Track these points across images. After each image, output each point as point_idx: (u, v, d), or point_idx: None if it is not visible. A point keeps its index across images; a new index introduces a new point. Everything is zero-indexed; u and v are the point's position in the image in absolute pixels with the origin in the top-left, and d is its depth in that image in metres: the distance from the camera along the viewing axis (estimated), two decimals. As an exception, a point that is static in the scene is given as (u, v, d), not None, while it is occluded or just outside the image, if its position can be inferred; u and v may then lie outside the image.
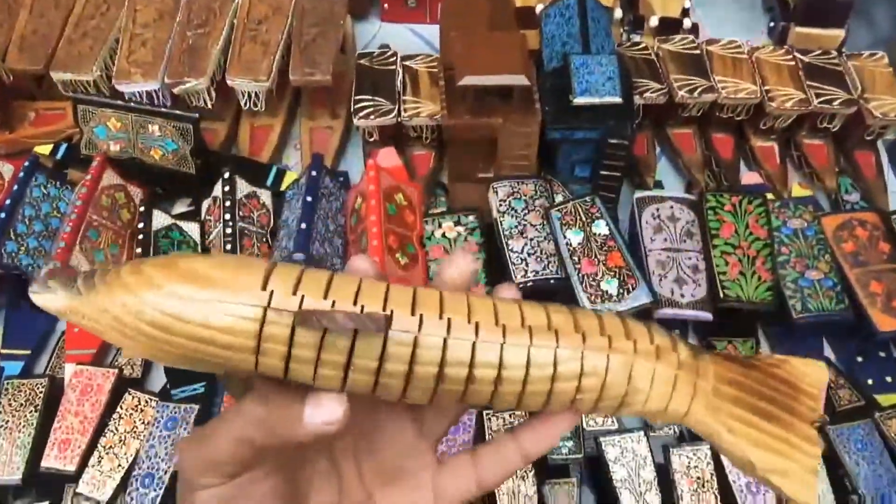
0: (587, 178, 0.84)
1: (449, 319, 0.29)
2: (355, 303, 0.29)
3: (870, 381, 0.73)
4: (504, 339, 0.29)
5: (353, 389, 0.29)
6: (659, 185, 0.87)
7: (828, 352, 0.77)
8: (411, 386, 0.29)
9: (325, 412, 0.28)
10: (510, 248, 0.74)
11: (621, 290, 0.69)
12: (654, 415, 0.32)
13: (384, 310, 0.29)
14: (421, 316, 0.29)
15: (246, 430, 0.28)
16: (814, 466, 0.32)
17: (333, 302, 0.28)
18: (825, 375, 0.34)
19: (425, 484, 0.34)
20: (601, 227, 0.73)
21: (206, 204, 0.79)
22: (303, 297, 0.28)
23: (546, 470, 0.69)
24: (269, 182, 0.83)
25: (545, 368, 0.30)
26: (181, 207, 0.86)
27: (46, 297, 0.29)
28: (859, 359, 0.74)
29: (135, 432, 0.66)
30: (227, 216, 0.73)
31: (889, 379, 0.73)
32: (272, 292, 0.27)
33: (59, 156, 0.85)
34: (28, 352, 0.75)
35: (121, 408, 0.68)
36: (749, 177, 0.88)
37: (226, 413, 0.30)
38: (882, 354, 0.75)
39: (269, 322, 0.27)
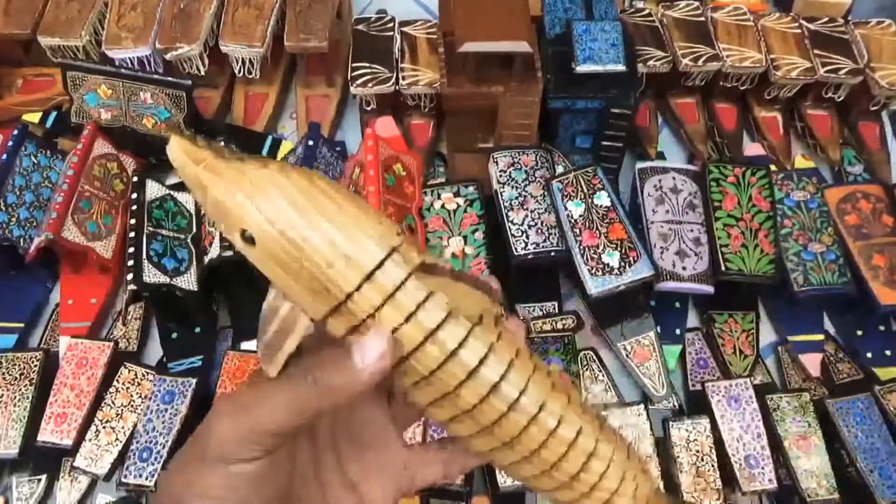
0: (588, 148, 0.83)
1: (516, 354, 0.30)
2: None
3: (869, 355, 0.73)
4: (533, 373, 0.30)
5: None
6: (661, 156, 0.86)
7: (827, 325, 0.76)
8: (430, 379, 0.29)
9: (372, 349, 0.27)
10: (510, 219, 0.73)
11: (622, 263, 0.68)
12: None
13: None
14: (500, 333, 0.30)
15: (300, 395, 0.27)
16: None
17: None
18: None
19: (401, 470, 0.34)
20: (603, 199, 0.72)
21: (200, 174, 0.77)
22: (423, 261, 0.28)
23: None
24: (264, 152, 0.81)
25: (550, 421, 0.30)
26: (176, 178, 0.84)
27: (186, 145, 0.28)
28: (859, 332, 0.74)
29: (132, 406, 0.66)
30: (222, 187, 0.71)
31: (888, 353, 0.73)
32: (402, 243, 0.27)
33: (48, 124, 0.83)
34: (22, 325, 0.74)
35: (117, 381, 0.67)
36: (752, 148, 0.86)
37: (265, 385, 0.28)
38: (882, 328, 0.74)
39: (387, 263, 0.27)
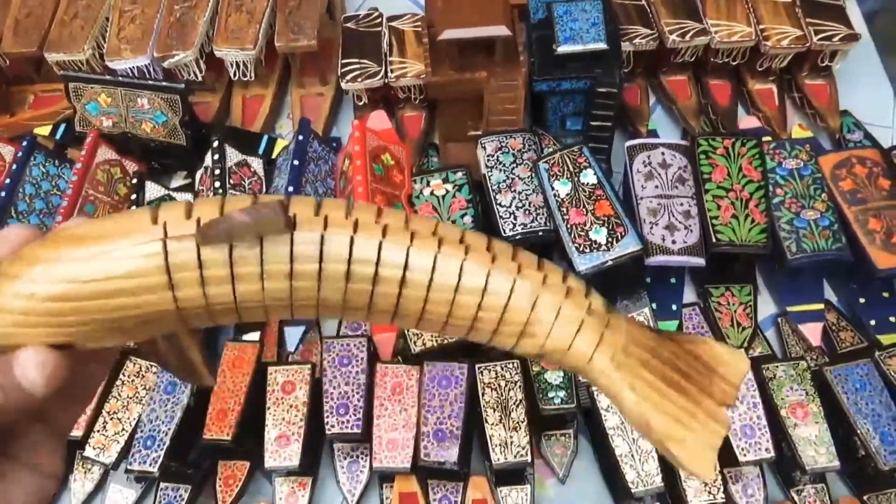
0: (579, 131, 0.83)
1: (356, 220, 0.29)
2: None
3: (872, 322, 0.71)
4: (411, 243, 0.29)
5: (274, 302, 0.29)
6: (653, 134, 0.86)
7: (829, 294, 0.75)
8: (324, 287, 0.29)
9: (29, 366, 0.26)
10: (498, 202, 0.73)
11: (610, 239, 0.68)
12: (554, 355, 0.31)
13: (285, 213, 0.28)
14: (326, 216, 0.28)
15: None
16: (715, 443, 0.31)
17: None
18: (746, 366, 0.33)
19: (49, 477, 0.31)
20: (589, 177, 0.72)
21: (198, 174, 0.80)
22: (199, 219, 0.27)
23: (541, 422, 0.69)
24: (260, 150, 0.83)
25: (449, 277, 0.29)
26: (179, 182, 0.87)
27: None
28: (861, 300, 0.73)
29: (137, 397, 0.68)
30: (218, 184, 0.74)
31: (892, 319, 0.71)
32: (165, 223, 0.27)
33: (58, 136, 0.87)
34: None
35: (123, 374, 0.70)
36: (747, 121, 0.85)
37: None
38: (885, 295, 0.73)
39: (171, 252, 0.26)
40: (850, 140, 0.84)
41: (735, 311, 0.73)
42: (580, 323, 0.31)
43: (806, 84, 0.87)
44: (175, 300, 0.27)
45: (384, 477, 0.68)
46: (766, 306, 0.76)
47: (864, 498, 0.64)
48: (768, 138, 0.78)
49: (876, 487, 0.64)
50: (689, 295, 0.77)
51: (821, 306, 0.72)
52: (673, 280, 0.76)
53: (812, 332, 0.71)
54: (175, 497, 0.67)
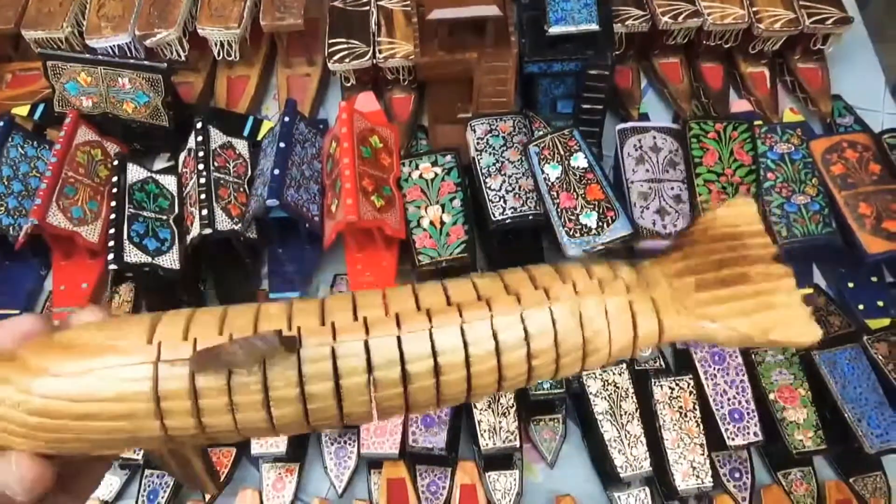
0: (570, 114, 0.82)
1: (365, 318, 0.26)
2: (255, 330, 0.25)
3: (861, 307, 0.71)
4: (431, 324, 0.26)
5: (285, 426, 0.26)
6: (645, 117, 0.85)
7: (818, 278, 0.75)
8: (347, 404, 0.26)
9: (9, 476, 0.25)
10: (488, 186, 0.72)
11: (600, 223, 0.68)
12: (629, 351, 0.30)
13: (290, 329, 0.25)
14: (333, 324, 0.26)
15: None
16: (798, 301, 0.30)
17: (230, 336, 0.25)
18: (754, 207, 0.33)
19: None
20: (580, 160, 0.71)
21: (182, 156, 0.78)
22: (195, 340, 0.25)
23: (530, 406, 0.69)
24: (245, 132, 0.82)
25: (485, 343, 0.27)
26: (162, 164, 0.85)
27: None
28: (850, 285, 0.73)
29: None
30: (201, 166, 0.72)
31: (880, 303, 0.71)
32: (160, 344, 0.25)
33: (36, 116, 0.85)
34: (17, 312, 0.76)
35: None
36: (739, 105, 0.85)
37: None
38: (874, 279, 0.73)
39: (162, 379, 0.24)
40: (840, 124, 0.83)
41: (724, 296, 0.73)
42: (630, 308, 0.29)
43: (798, 68, 0.86)
44: (164, 428, 0.25)
45: (372, 463, 0.68)
46: (756, 291, 0.76)
47: (851, 480, 0.65)
48: (759, 122, 0.77)
49: (862, 470, 0.65)
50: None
51: (810, 291, 0.72)
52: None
53: (801, 316, 0.71)
54: (160, 484, 0.66)
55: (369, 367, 0.26)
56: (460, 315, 0.27)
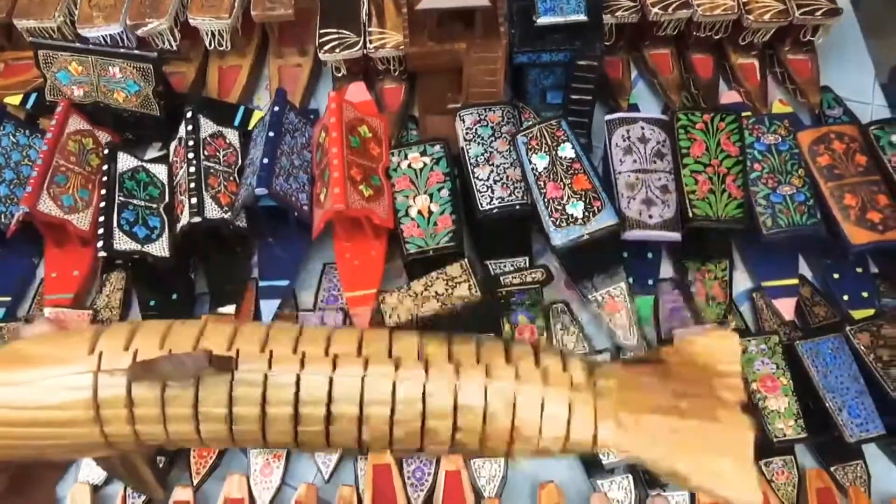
0: (560, 104, 0.82)
1: (303, 353, 0.27)
2: (195, 347, 0.27)
3: (845, 297, 0.72)
4: (366, 372, 0.27)
5: (212, 440, 0.27)
6: (634, 108, 0.85)
7: (804, 269, 0.75)
8: (270, 431, 0.27)
9: None
10: (476, 175, 0.73)
11: (587, 213, 0.68)
12: (554, 448, 0.29)
13: (229, 349, 0.27)
14: (271, 352, 0.27)
15: None
16: (748, 456, 0.30)
17: (170, 350, 0.26)
18: (736, 344, 0.31)
19: None
20: (567, 151, 0.71)
21: (173, 146, 0.78)
22: (136, 351, 0.26)
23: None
24: (236, 122, 0.82)
25: (413, 405, 0.27)
26: (154, 153, 0.86)
27: None
28: (835, 276, 0.73)
29: (110, 369, 0.68)
30: (191, 155, 0.73)
31: (865, 294, 0.72)
32: (101, 353, 0.26)
33: (29, 105, 0.85)
34: (9, 298, 0.76)
35: (96, 347, 0.69)
36: (728, 96, 0.85)
37: None
38: (859, 270, 0.73)
39: (101, 387, 0.26)
40: (829, 116, 0.83)
41: (710, 287, 0.74)
42: (569, 407, 0.29)
43: (788, 59, 0.86)
44: (104, 435, 0.26)
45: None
46: (743, 281, 0.76)
47: (832, 469, 0.65)
48: (748, 113, 0.77)
49: (843, 459, 0.66)
50: (667, 269, 0.77)
51: (795, 281, 0.73)
52: (650, 255, 0.76)
53: (785, 306, 0.72)
54: (149, 469, 0.66)
55: (296, 401, 0.26)
56: (396, 370, 0.28)
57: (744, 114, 0.76)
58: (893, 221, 0.68)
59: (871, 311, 0.70)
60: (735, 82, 0.86)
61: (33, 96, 0.85)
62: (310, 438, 0.27)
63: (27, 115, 0.86)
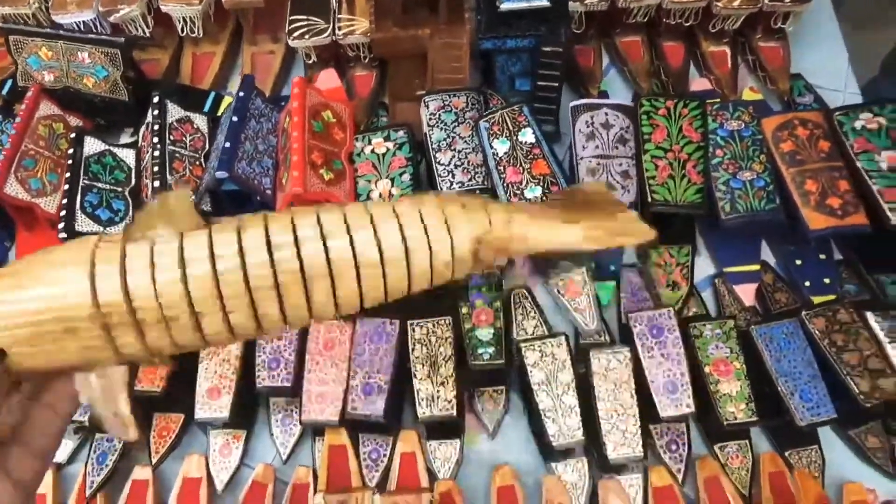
0: (529, 91, 0.82)
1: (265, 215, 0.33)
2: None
3: (807, 284, 0.72)
4: (319, 220, 0.34)
5: (199, 294, 0.31)
6: (604, 95, 0.85)
7: (768, 256, 0.75)
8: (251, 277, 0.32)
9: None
10: (438, 160, 0.73)
11: (544, 198, 0.68)
12: (465, 248, 0.35)
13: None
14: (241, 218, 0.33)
15: None
16: (635, 218, 0.38)
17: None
18: (602, 186, 0.40)
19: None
20: (527, 136, 0.72)
21: (141, 131, 0.79)
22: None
23: (475, 379, 0.70)
24: (206, 108, 0.83)
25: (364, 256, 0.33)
26: (126, 139, 0.87)
27: None
28: (798, 262, 0.73)
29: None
30: (156, 140, 0.73)
31: (827, 280, 0.71)
32: (98, 239, 0.31)
33: (4, 91, 0.86)
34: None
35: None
36: (699, 83, 0.85)
37: None
38: (822, 257, 0.73)
39: (98, 249, 0.31)
40: (800, 103, 0.83)
41: (672, 272, 0.74)
42: (484, 208, 0.36)
43: (759, 46, 0.86)
44: (96, 303, 0.30)
45: (317, 430, 0.69)
46: (706, 267, 0.76)
47: (786, 454, 0.65)
48: (715, 100, 0.77)
49: (798, 444, 0.65)
50: (631, 255, 0.77)
51: (756, 267, 0.73)
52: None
53: (746, 292, 0.72)
54: (109, 448, 0.68)
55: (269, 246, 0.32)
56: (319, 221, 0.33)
57: (709, 101, 0.76)
58: (853, 207, 0.67)
59: (832, 297, 0.70)
60: (706, 70, 0.86)
61: (8, 83, 0.87)
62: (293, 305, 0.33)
63: (3, 101, 0.87)
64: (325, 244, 0.32)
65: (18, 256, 0.77)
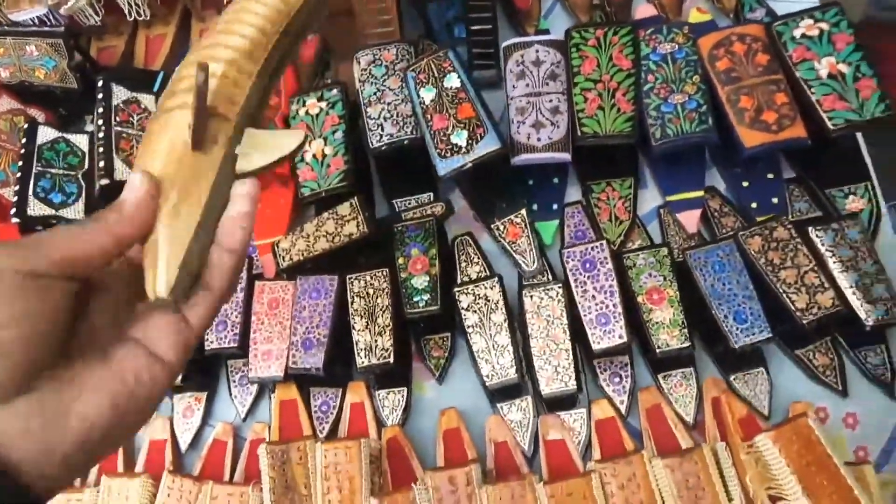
0: (466, 37, 0.81)
1: None
2: None
3: (754, 205, 0.69)
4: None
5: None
6: (544, 33, 0.83)
7: (716, 180, 0.73)
8: None
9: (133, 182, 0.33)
10: (368, 115, 0.73)
11: (470, 141, 0.68)
12: None
13: None
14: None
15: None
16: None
17: None
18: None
19: (181, 324, 0.35)
20: (453, 81, 0.71)
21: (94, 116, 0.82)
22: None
23: (421, 330, 0.71)
24: (155, 88, 0.85)
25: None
26: (89, 127, 0.90)
27: None
28: (745, 183, 0.70)
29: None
30: (101, 122, 0.76)
31: (775, 200, 0.69)
32: None
33: (-24, 92, 0.91)
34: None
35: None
36: (643, 10, 0.81)
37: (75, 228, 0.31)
38: (770, 176, 0.70)
39: None
40: (750, 20, 0.79)
41: (614, 206, 0.72)
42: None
43: (708, -36, 0.82)
44: None
45: (273, 388, 0.71)
46: (653, 200, 0.74)
47: (731, 378, 0.64)
48: (649, 26, 0.74)
49: (741, 368, 0.64)
50: (576, 193, 0.76)
51: (699, 194, 0.71)
52: (556, 180, 0.75)
53: (689, 219, 0.70)
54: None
55: None
56: None
57: (646, 27, 0.73)
58: (790, 121, 0.64)
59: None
60: (651, -5, 0.83)
61: (-20, 83, 0.91)
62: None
63: (-24, 101, 0.91)
64: None
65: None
